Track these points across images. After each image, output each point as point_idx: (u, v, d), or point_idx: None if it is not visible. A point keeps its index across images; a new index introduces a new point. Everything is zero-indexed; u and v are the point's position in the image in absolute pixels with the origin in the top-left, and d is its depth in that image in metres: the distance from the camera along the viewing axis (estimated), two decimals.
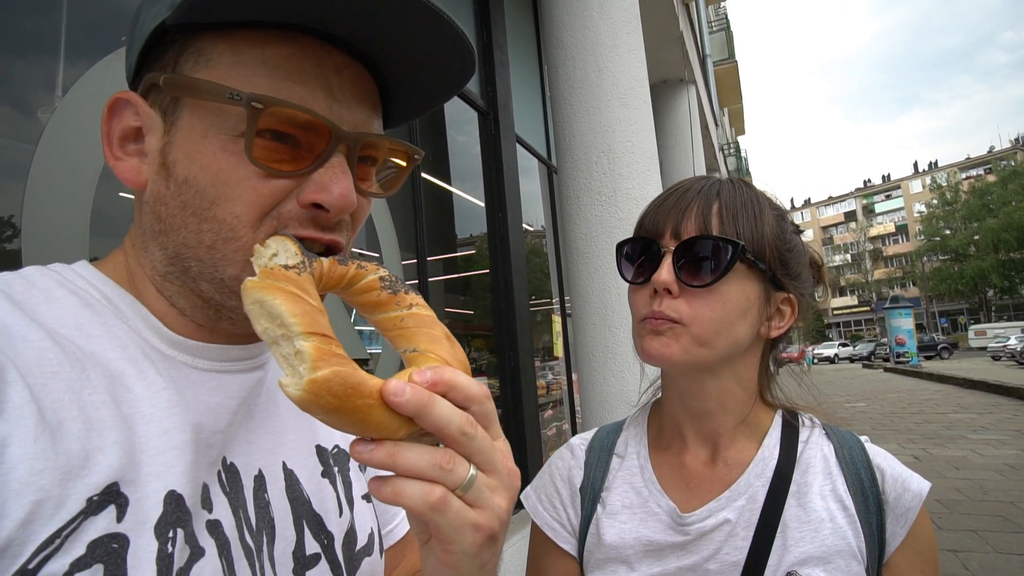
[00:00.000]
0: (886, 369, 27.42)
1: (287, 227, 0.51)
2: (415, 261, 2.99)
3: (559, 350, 5.10)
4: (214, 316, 0.55)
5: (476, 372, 3.84)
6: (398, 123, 0.66)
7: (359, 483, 0.70)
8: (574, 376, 4.96)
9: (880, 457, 0.84)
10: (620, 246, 0.88)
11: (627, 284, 0.87)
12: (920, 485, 0.81)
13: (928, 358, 33.01)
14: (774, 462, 0.83)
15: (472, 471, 0.44)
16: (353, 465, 0.71)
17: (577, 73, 3.11)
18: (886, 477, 0.81)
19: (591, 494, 0.90)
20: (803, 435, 0.86)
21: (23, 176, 1.32)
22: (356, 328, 2.57)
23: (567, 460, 0.96)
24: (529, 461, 3.62)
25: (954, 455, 8.19)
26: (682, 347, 0.79)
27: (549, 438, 4.46)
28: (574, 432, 4.96)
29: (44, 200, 1.34)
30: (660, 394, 0.94)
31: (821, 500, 0.80)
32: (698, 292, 0.79)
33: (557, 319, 5.16)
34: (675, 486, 0.86)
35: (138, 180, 0.53)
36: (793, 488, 0.81)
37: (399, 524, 0.78)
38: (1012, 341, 27.46)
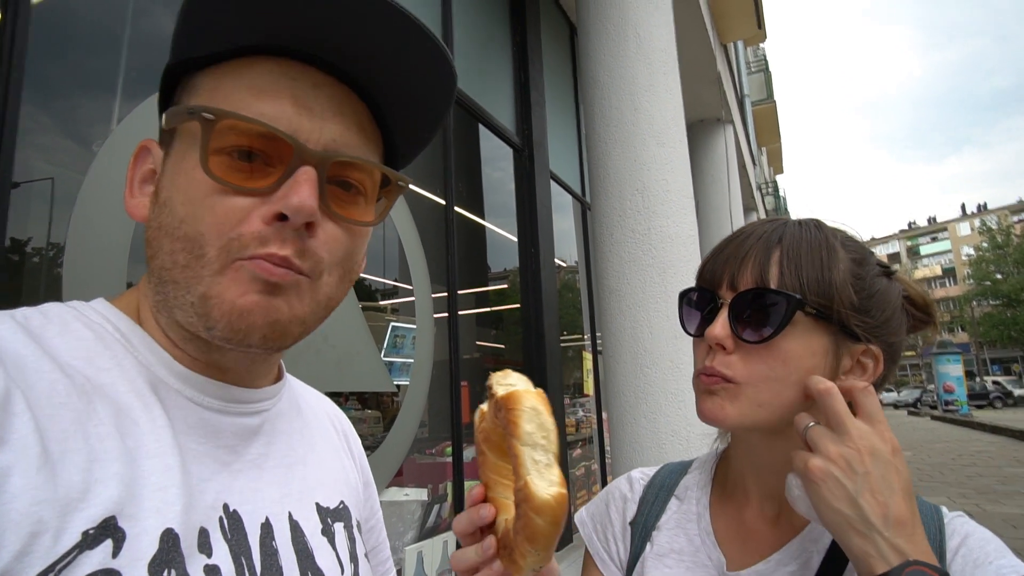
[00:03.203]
0: (933, 417, 26.22)
1: (247, 248, 0.50)
2: (446, 294, 3.00)
3: (589, 388, 5.01)
4: (204, 347, 0.55)
5: None
6: (407, 159, 0.66)
7: (360, 541, 0.69)
8: (604, 415, 4.86)
9: (959, 538, 0.70)
10: (682, 296, 0.83)
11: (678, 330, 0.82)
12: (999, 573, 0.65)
13: (979, 407, 31.49)
14: None
15: None
16: (355, 522, 0.69)
17: (613, 112, 3.12)
18: (956, 557, 0.69)
19: (642, 531, 0.85)
20: None
21: (71, 203, 1.38)
22: (385, 359, 2.57)
23: (624, 491, 0.92)
24: None
25: (1011, 513, 7.71)
26: (738, 409, 0.72)
27: (577, 478, 4.35)
28: (603, 472, 4.84)
29: (88, 227, 1.39)
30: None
31: None
32: (755, 348, 0.72)
33: (588, 356, 5.09)
34: (730, 540, 0.79)
35: (142, 214, 0.56)
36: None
37: None
38: None
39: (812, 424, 0.67)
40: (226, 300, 0.50)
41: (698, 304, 0.80)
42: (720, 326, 0.73)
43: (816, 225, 0.78)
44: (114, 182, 1.45)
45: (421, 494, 2.47)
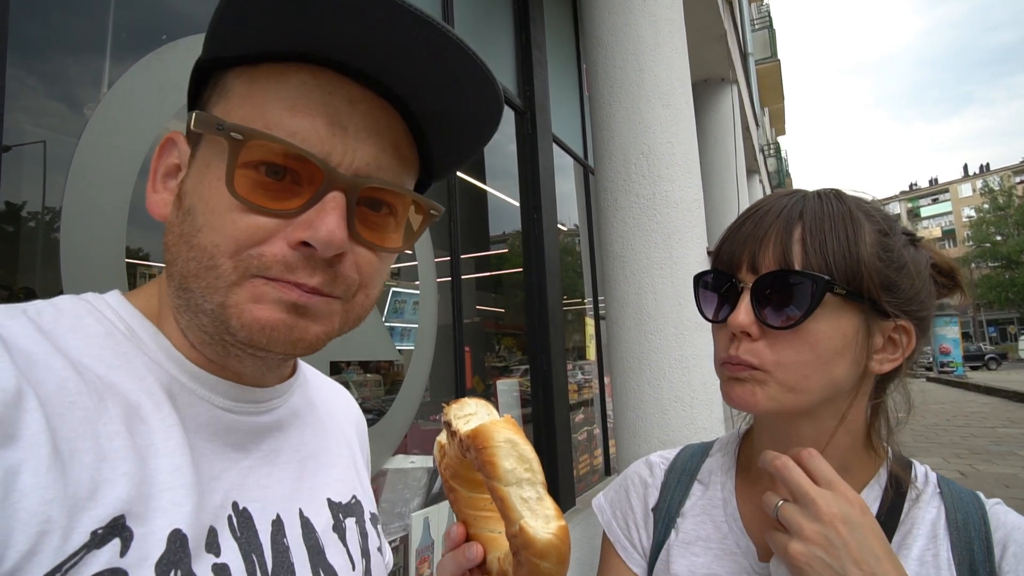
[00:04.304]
0: (929, 378, 26.51)
1: (270, 270, 0.48)
2: (448, 259, 2.97)
3: (591, 354, 5.02)
4: (222, 352, 0.54)
5: (506, 372, 3.81)
6: (440, 176, 0.64)
7: (373, 535, 0.68)
8: (606, 379, 4.88)
9: (1006, 529, 0.69)
10: (697, 279, 0.79)
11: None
12: None
13: (974, 368, 31.82)
14: None
15: None
16: (368, 516, 0.69)
17: (617, 72, 3.03)
18: (1007, 554, 0.66)
19: (665, 517, 0.83)
20: (912, 492, 0.73)
21: (65, 167, 1.34)
22: (386, 324, 2.56)
23: (644, 477, 0.90)
24: (560, 467, 3.57)
25: (1004, 472, 7.86)
26: (768, 394, 0.69)
27: (580, 443, 4.40)
28: (605, 436, 4.89)
29: (83, 192, 1.36)
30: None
31: (919, 566, 0.68)
32: (782, 333, 0.68)
33: (590, 322, 5.09)
34: (758, 527, 0.77)
35: (161, 212, 0.54)
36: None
37: None
38: None
39: (781, 503, 0.64)
40: (245, 312, 0.49)
41: (716, 288, 0.76)
42: (744, 312, 0.69)
43: (837, 196, 0.73)
44: (110, 146, 1.41)
45: (427, 461, 2.49)
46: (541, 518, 0.48)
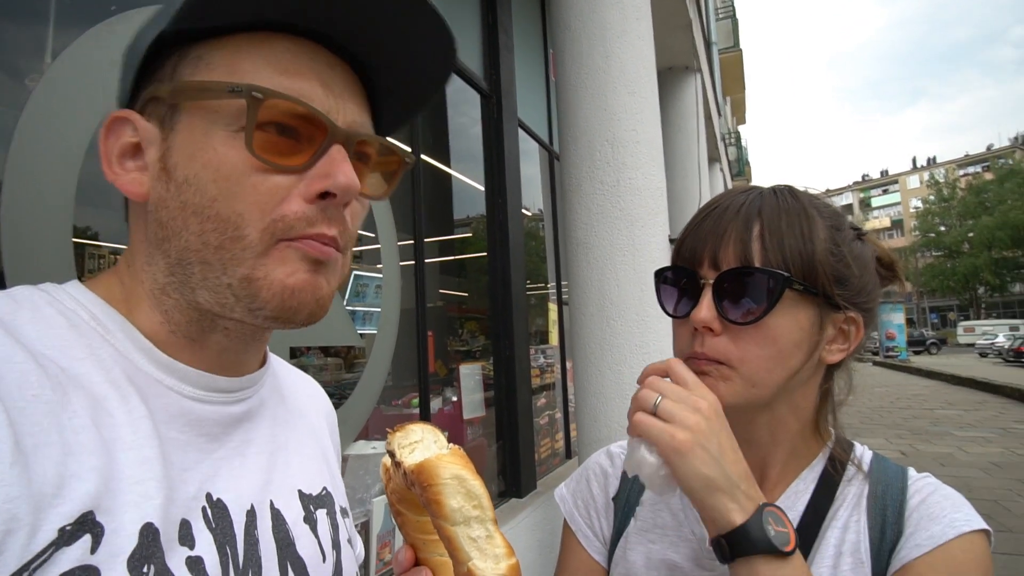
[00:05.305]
0: (875, 363, 27.67)
1: (293, 229, 0.50)
2: (412, 242, 2.94)
3: (554, 338, 5.06)
4: (208, 327, 0.54)
5: (469, 357, 3.81)
6: (389, 130, 0.66)
7: (344, 527, 0.68)
8: (568, 364, 4.93)
9: (923, 494, 0.74)
10: (658, 274, 0.81)
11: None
12: (949, 529, 0.68)
13: (917, 353, 33.34)
14: (807, 496, 0.77)
15: None
16: (339, 508, 0.69)
17: (584, 59, 3.03)
18: (913, 513, 0.72)
19: (625, 506, 0.86)
20: (849, 472, 0.78)
21: (6, 142, 1.27)
22: (348, 308, 2.53)
23: (605, 467, 0.92)
24: (521, 450, 3.60)
25: (940, 452, 8.28)
26: (731, 389, 0.72)
27: (541, 427, 4.45)
28: (566, 421, 4.96)
29: (27, 167, 1.29)
30: None
31: (842, 532, 0.74)
32: (744, 328, 0.71)
33: (553, 307, 5.12)
34: None
35: (140, 192, 0.53)
36: (824, 525, 0.75)
37: None
38: (1000, 339, 27.76)
39: (660, 399, 0.67)
40: (275, 281, 0.50)
41: (676, 283, 0.78)
42: (706, 308, 0.72)
43: (791, 193, 0.77)
44: (56, 120, 1.34)
45: None
46: (491, 558, 0.47)
